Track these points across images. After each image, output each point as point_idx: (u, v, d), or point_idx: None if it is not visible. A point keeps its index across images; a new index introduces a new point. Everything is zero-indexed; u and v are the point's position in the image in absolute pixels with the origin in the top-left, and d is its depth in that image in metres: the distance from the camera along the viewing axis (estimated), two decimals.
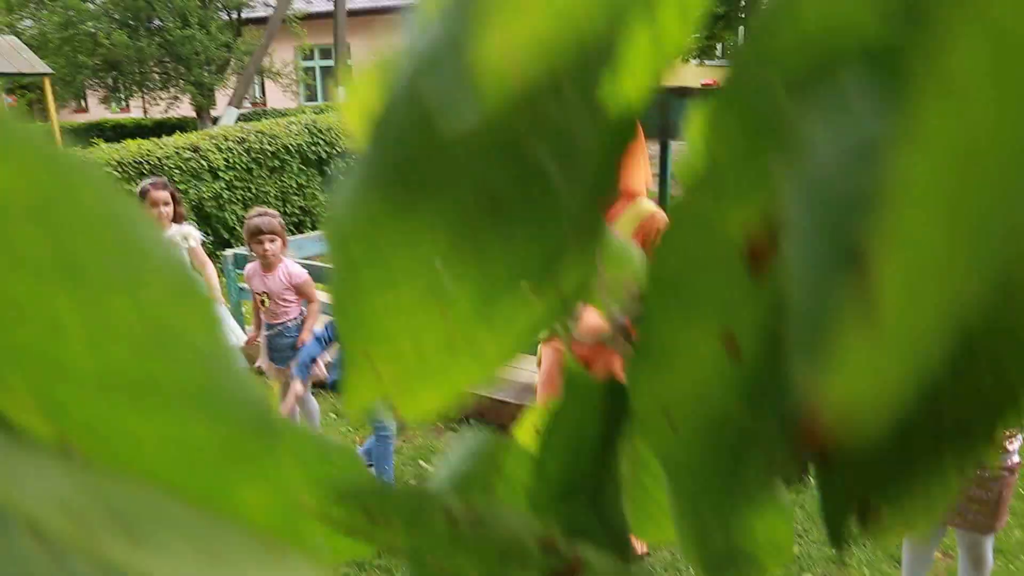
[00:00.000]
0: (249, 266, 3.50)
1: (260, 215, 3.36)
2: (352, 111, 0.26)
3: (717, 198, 0.22)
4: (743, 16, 10.68)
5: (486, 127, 0.23)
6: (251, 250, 3.44)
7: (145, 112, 17.83)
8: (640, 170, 2.06)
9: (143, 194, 3.74)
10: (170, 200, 3.74)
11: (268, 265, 3.37)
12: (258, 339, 3.55)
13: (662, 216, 2.07)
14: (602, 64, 0.23)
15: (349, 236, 0.24)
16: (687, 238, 0.23)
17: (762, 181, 0.21)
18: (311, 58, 20.44)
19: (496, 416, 3.77)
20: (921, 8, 0.16)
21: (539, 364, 2.81)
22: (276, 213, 3.43)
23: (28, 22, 12.94)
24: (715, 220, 0.22)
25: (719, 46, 13.18)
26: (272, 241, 3.34)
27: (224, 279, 4.78)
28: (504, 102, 0.22)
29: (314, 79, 20.40)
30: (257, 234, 3.33)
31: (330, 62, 19.70)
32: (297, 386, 3.07)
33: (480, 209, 0.24)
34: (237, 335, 4.02)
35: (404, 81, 0.23)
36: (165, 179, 3.90)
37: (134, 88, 14.10)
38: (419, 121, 0.23)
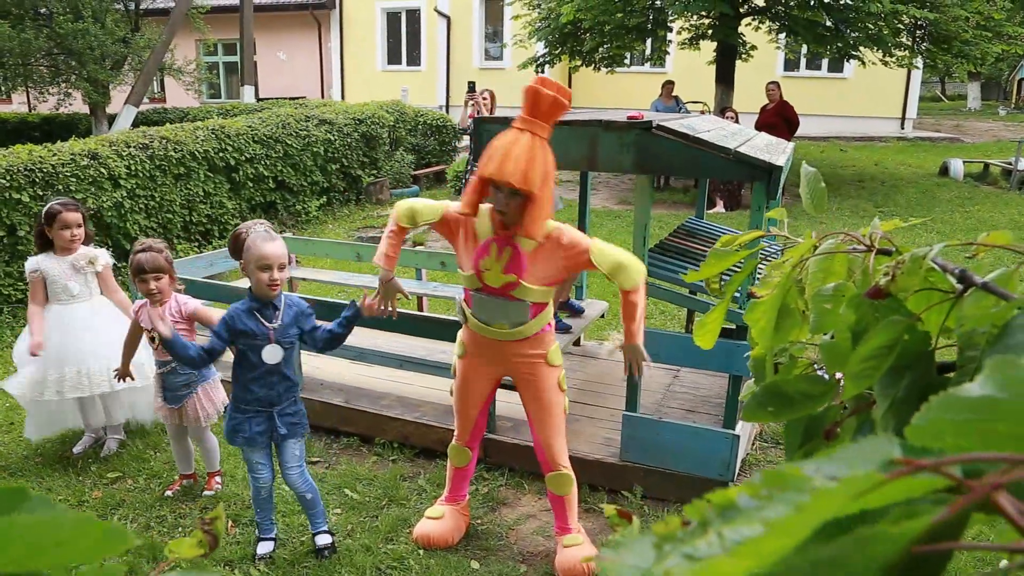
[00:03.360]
0: (137, 303, 3.29)
1: (144, 250, 3.13)
2: None
3: None
4: (652, 28, 10.97)
5: None
6: (136, 288, 3.23)
7: (31, 107, 16.67)
8: (539, 224, 2.53)
9: (52, 216, 3.48)
10: (82, 222, 3.52)
11: (156, 302, 3.19)
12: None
13: (562, 230, 2.62)
14: None
15: None
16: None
17: None
18: (214, 54, 19.67)
19: (420, 439, 3.75)
20: None
21: (454, 373, 2.94)
22: (162, 246, 3.21)
23: None
24: None
25: (628, 55, 13.50)
26: (158, 279, 3.14)
27: (132, 297, 4.54)
28: None
29: (218, 76, 19.63)
30: (141, 272, 3.12)
31: (235, 58, 19.01)
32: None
33: None
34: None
35: None
36: (77, 201, 3.62)
37: (18, 81, 13.10)
38: None
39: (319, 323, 2.88)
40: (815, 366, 0.70)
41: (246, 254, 2.68)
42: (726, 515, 0.21)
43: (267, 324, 2.74)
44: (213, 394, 3.34)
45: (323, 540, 2.98)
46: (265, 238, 2.67)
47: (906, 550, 0.22)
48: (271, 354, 2.75)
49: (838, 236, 0.62)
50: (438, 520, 3.03)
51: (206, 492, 3.42)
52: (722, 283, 0.81)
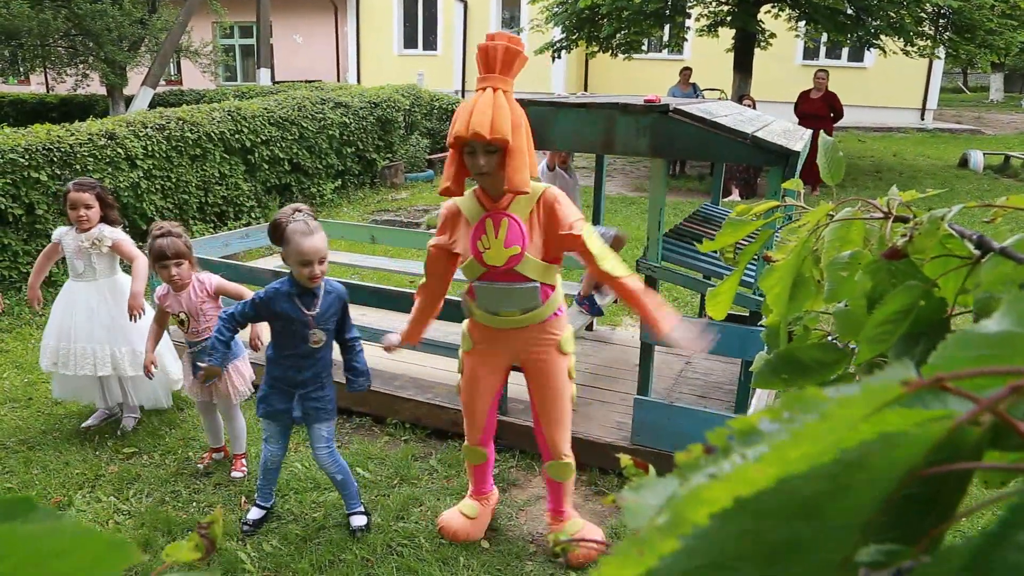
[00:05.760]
0: (159, 288, 3.31)
1: (163, 235, 3.16)
2: None
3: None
4: (671, 14, 10.87)
5: None
6: (156, 273, 3.25)
7: (49, 88, 16.76)
8: (521, 173, 2.41)
9: (64, 194, 3.55)
10: (94, 202, 3.54)
11: (178, 288, 3.23)
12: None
13: (556, 194, 2.54)
14: None
15: None
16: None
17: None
18: (231, 36, 19.69)
19: (432, 420, 3.77)
20: None
21: (460, 371, 2.86)
22: (181, 230, 3.23)
23: None
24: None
25: (646, 42, 13.40)
26: (179, 265, 3.17)
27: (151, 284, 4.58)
28: None
29: (234, 59, 19.65)
30: (162, 258, 3.15)
31: (251, 41, 19.03)
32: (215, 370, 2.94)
33: None
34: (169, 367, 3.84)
35: None
36: (95, 181, 3.65)
37: (37, 62, 13.18)
38: None
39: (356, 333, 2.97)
40: (830, 337, 0.70)
41: (286, 247, 2.68)
42: (748, 439, 0.21)
43: (306, 312, 2.76)
44: (243, 371, 3.38)
45: (357, 521, 2.98)
46: (304, 232, 2.65)
47: (928, 454, 0.22)
48: (316, 338, 2.79)
49: (855, 204, 0.62)
50: (471, 520, 2.96)
51: (234, 474, 3.41)
52: (736, 253, 0.81)
